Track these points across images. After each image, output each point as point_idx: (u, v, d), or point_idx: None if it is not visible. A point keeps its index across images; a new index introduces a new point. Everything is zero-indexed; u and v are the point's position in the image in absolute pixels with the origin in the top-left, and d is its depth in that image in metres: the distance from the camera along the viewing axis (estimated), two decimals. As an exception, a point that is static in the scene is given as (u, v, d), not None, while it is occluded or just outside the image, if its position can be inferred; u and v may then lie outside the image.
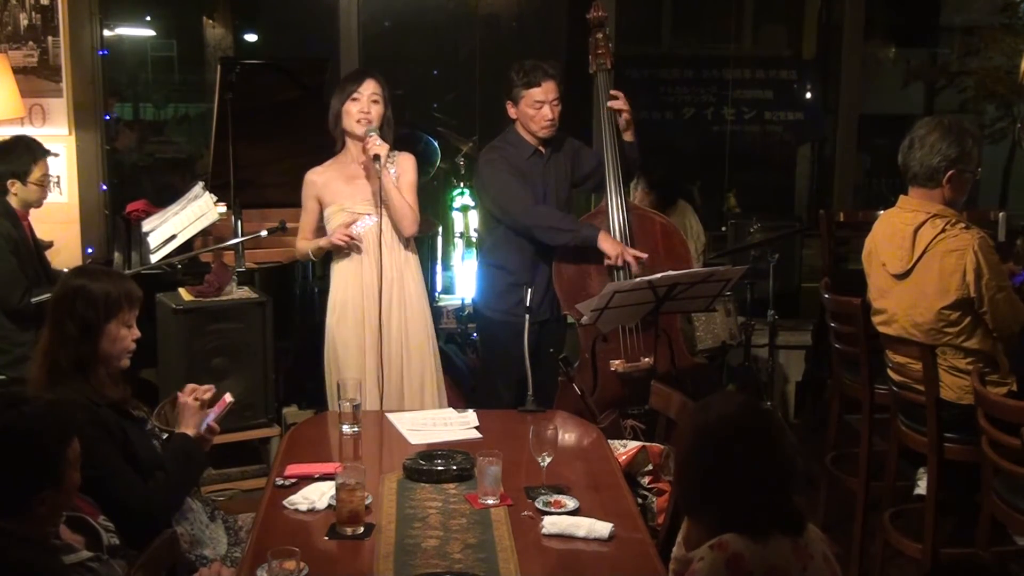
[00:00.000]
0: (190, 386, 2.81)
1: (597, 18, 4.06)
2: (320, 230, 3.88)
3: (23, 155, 4.22)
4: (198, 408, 2.77)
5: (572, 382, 3.50)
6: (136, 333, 2.69)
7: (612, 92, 3.97)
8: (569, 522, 2.44)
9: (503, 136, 4.07)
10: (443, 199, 5.97)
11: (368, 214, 3.75)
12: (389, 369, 3.73)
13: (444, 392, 3.93)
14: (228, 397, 2.90)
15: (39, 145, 4.30)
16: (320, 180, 3.80)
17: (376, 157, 3.62)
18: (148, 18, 7.03)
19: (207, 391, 2.82)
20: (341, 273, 3.81)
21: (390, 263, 3.73)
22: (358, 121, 3.69)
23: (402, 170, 3.77)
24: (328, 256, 3.87)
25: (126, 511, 2.45)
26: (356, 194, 3.77)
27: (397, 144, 3.83)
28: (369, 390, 3.70)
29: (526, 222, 3.92)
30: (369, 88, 3.71)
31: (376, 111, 3.71)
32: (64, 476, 2.05)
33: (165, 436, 2.80)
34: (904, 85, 8.26)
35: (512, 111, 3.99)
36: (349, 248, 3.74)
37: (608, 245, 3.83)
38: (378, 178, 3.66)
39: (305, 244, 3.88)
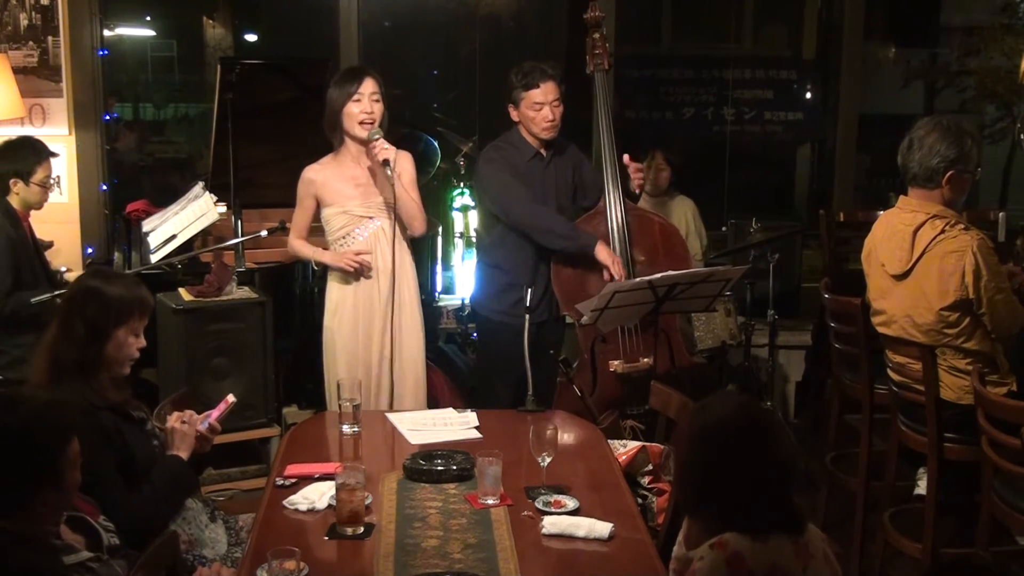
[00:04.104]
0: (176, 413, 2.79)
1: (594, 18, 4.06)
2: (314, 229, 3.85)
3: (28, 155, 4.22)
4: (187, 432, 2.75)
5: (572, 383, 3.50)
6: (142, 342, 2.68)
7: (628, 163, 3.93)
8: (569, 522, 2.44)
9: (505, 137, 4.06)
10: (443, 199, 5.96)
11: (371, 218, 3.73)
12: (389, 369, 3.73)
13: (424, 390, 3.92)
14: (231, 397, 2.91)
15: (44, 147, 4.31)
16: (319, 179, 3.75)
17: (386, 162, 3.58)
18: (148, 18, 7.04)
19: (192, 416, 2.79)
20: (342, 279, 3.78)
21: (392, 266, 3.72)
22: (361, 123, 3.66)
23: (401, 168, 3.74)
24: None
25: (110, 520, 2.44)
26: (357, 196, 3.73)
27: (396, 143, 3.81)
28: (368, 390, 3.70)
29: (525, 222, 3.92)
30: (369, 87, 3.67)
31: (378, 110, 3.67)
32: (63, 475, 2.05)
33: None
34: (904, 85, 8.26)
35: (514, 114, 3.99)
36: (358, 270, 3.70)
37: (605, 255, 3.83)
38: (388, 182, 3.61)
39: (301, 246, 3.85)
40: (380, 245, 3.73)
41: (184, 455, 2.73)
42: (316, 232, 3.94)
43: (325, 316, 3.82)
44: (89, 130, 5.13)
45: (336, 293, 3.80)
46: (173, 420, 2.76)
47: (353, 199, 3.73)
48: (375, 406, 3.71)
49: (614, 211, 3.94)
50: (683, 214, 5.26)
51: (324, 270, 4.00)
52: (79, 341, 2.56)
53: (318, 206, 3.78)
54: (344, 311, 3.77)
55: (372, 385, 3.75)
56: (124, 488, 2.53)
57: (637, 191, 4.03)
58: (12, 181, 4.18)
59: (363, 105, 3.66)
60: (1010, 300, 3.17)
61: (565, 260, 3.94)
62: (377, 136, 3.63)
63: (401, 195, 3.66)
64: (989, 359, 3.19)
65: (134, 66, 7.13)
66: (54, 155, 4.38)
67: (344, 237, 3.75)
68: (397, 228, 3.73)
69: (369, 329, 3.75)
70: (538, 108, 3.91)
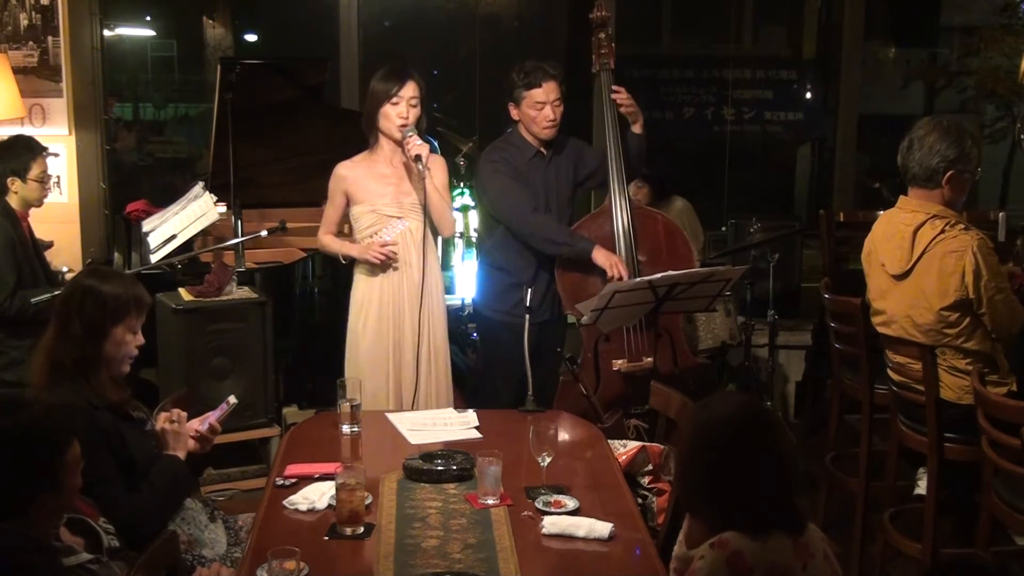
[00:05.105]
0: (164, 414, 2.79)
1: (600, 17, 4.06)
2: (343, 222, 3.86)
3: (22, 153, 4.23)
4: (179, 431, 2.74)
5: (578, 381, 3.50)
6: (140, 340, 2.68)
7: (614, 88, 3.96)
8: (569, 522, 2.44)
9: (505, 137, 4.06)
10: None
11: (400, 218, 3.72)
12: (415, 371, 3.72)
13: (452, 393, 3.92)
14: (232, 399, 2.90)
15: (37, 143, 4.31)
16: (350, 175, 3.74)
17: (418, 157, 3.58)
18: (148, 18, 7.03)
19: (180, 414, 2.79)
20: (368, 276, 3.76)
21: (420, 267, 3.71)
22: (399, 126, 3.65)
23: (434, 172, 3.72)
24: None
25: (109, 520, 2.43)
26: (387, 196, 3.72)
27: None
28: (400, 388, 3.71)
29: (522, 230, 3.92)
30: (409, 91, 3.65)
31: (414, 115, 3.66)
32: (63, 480, 2.04)
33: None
34: (904, 85, 8.26)
35: (514, 112, 3.98)
36: (385, 262, 3.69)
37: (603, 258, 3.82)
38: (420, 179, 3.62)
39: (330, 241, 3.82)
40: (408, 246, 3.73)
41: (181, 454, 2.73)
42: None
43: (350, 317, 3.79)
44: (89, 130, 5.14)
45: (362, 289, 3.77)
46: (161, 421, 2.75)
47: (383, 198, 3.72)
48: (408, 405, 3.69)
49: (620, 212, 3.94)
50: (676, 217, 5.26)
51: (331, 271, 3.99)
52: (77, 340, 2.56)
53: (348, 203, 3.77)
54: (370, 310, 3.74)
55: (405, 383, 3.73)
56: (123, 488, 2.53)
57: (636, 129, 4.00)
58: (9, 180, 4.18)
59: (399, 109, 3.64)
60: (1010, 300, 3.16)
61: (569, 259, 3.94)
62: (411, 133, 3.63)
63: (432, 193, 3.66)
64: (989, 359, 3.19)
65: (134, 66, 7.12)
66: (47, 151, 4.37)
67: (372, 236, 3.73)
68: (422, 227, 3.72)
69: (400, 327, 3.73)
70: (539, 107, 3.90)
